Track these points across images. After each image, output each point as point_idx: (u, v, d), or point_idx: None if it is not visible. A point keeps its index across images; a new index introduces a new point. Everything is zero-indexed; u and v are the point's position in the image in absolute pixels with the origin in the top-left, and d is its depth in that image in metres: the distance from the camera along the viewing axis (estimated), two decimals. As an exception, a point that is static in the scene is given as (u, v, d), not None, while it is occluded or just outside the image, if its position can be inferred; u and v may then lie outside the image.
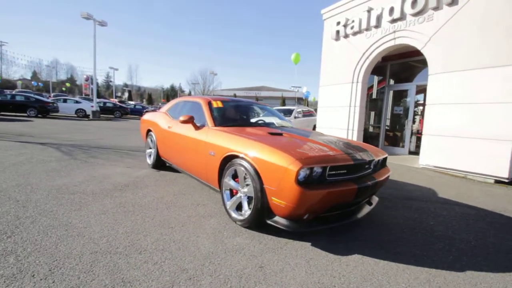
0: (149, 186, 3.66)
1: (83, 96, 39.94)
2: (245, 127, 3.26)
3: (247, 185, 2.50)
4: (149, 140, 4.81)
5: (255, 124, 3.60)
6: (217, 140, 2.85)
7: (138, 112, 26.35)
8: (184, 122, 3.25)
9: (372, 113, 8.86)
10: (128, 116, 25.53)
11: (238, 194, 2.61)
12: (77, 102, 19.13)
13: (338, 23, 7.85)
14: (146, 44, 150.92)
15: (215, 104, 3.52)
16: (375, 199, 2.99)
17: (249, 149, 2.40)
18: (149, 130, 4.82)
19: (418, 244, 2.39)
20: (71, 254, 1.90)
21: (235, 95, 53.20)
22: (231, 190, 2.73)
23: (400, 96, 8.30)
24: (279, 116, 4.15)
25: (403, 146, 8.02)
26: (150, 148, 4.84)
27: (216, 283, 1.68)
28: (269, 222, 2.29)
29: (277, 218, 2.25)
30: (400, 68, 8.33)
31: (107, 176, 4.02)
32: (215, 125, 3.14)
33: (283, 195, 2.10)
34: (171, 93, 69.08)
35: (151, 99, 60.00)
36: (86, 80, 46.70)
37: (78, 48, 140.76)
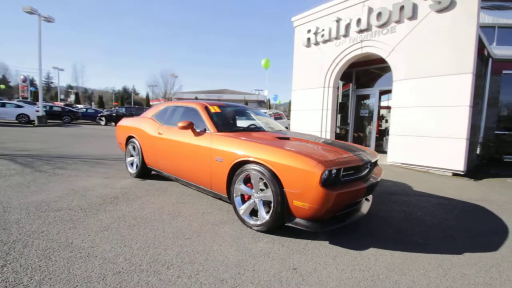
0: (142, 196, 3.43)
1: (21, 99, 35.17)
2: (248, 132, 3.26)
3: (262, 190, 2.53)
4: (130, 147, 4.49)
5: (257, 129, 3.61)
6: (224, 146, 2.81)
7: (90, 117, 24.11)
8: (183, 128, 3.13)
9: (339, 116, 9.48)
10: (79, 121, 23.22)
11: (251, 200, 2.61)
12: (18, 106, 16.78)
13: (309, 31, 8.27)
14: (92, 43, 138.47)
15: (212, 109, 3.46)
16: (370, 196, 3.24)
17: (264, 154, 2.43)
18: (130, 137, 4.50)
19: (417, 233, 2.66)
20: (91, 277, 1.71)
21: (196, 98, 52.04)
22: (242, 196, 2.72)
23: (364, 100, 9.04)
24: (272, 121, 4.23)
25: (368, 146, 8.73)
26: (132, 156, 4.52)
27: (260, 289, 1.68)
28: (289, 224, 2.34)
29: (298, 220, 2.31)
30: (362, 73, 9.08)
31: (88, 188, 3.66)
32: (218, 131, 3.09)
33: (306, 198, 2.17)
34: (124, 96, 64.36)
35: (102, 102, 55.17)
36: (24, 81, 41.15)
37: (10, 43, 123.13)
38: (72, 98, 60.55)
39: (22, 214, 2.67)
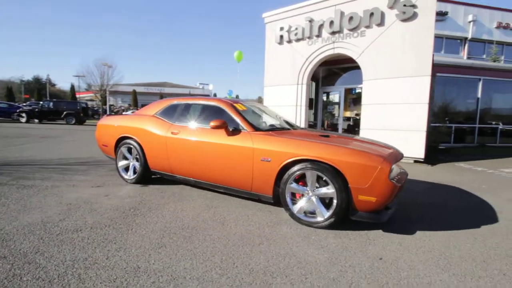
0: (163, 204, 3.08)
1: None
2: (285, 130, 3.22)
3: (317, 187, 2.58)
4: (123, 150, 3.93)
5: (287, 128, 3.53)
6: (271, 146, 2.73)
7: (4, 113, 19.69)
8: (216, 127, 2.92)
9: (309, 111, 10.02)
10: (-13, 118, 18.78)
11: (305, 198, 2.63)
12: None
13: (282, 29, 8.45)
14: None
15: (239, 107, 3.30)
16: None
17: (326, 153, 2.47)
18: (123, 138, 3.93)
19: (436, 215, 3.09)
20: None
21: (134, 91, 47.47)
22: (292, 195, 2.71)
23: (330, 97, 9.77)
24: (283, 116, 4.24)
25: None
26: (127, 159, 3.98)
27: (375, 283, 1.75)
28: (353, 218, 2.46)
29: (361, 213, 2.44)
30: (326, 71, 9.77)
31: (87, 201, 3.11)
32: (255, 130, 2.98)
33: (374, 192, 2.31)
34: (35, 87, 53.51)
35: (11, 93, 45.14)
36: None
37: None
38: (-37, 89, 47.88)
39: (31, 240, 2.12)
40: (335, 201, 2.45)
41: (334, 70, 9.58)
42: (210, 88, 58.49)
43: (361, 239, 2.38)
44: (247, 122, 3.06)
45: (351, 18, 7.11)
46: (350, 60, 7.80)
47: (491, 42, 14.94)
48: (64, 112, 18.29)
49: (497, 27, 15.11)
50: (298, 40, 8.22)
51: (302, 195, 2.67)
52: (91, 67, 26.28)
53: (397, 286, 1.72)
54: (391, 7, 6.54)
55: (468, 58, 14.42)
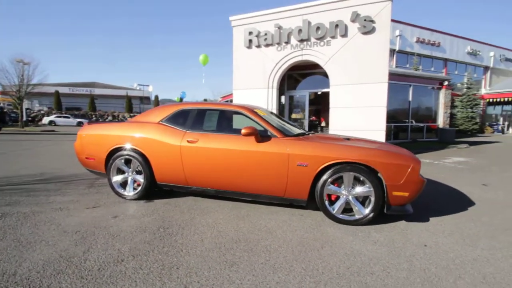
0: (191, 219, 2.87)
1: None
2: (304, 135, 3.32)
3: (353, 187, 2.79)
4: (119, 163, 3.48)
5: (302, 132, 3.60)
6: (307, 151, 2.82)
7: None
8: (248, 134, 2.87)
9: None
10: None
11: (342, 198, 2.81)
12: None
13: (251, 33, 8.55)
14: None
15: (261, 113, 3.28)
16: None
17: (363, 155, 2.69)
18: (118, 149, 3.47)
19: (427, 203, 3.62)
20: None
21: (57, 92, 40.86)
22: (329, 196, 2.85)
23: (295, 100, 10.29)
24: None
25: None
26: (122, 173, 3.53)
27: (441, 268, 2.01)
28: (388, 212, 2.73)
29: (394, 207, 2.72)
30: (289, 76, 10.28)
31: (97, 225, 2.69)
32: (284, 135, 3.02)
33: (408, 187, 2.63)
34: None
35: None
36: None
37: None
38: None
39: (69, 282, 1.75)
40: (372, 199, 2.69)
41: (294, 76, 10.14)
42: (150, 89, 54.54)
43: (397, 231, 2.66)
44: (275, 128, 3.07)
45: (318, 28, 7.68)
46: (315, 66, 8.41)
47: (412, 54, 18.03)
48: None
49: (416, 42, 18.31)
50: (267, 45, 8.45)
51: (338, 196, 2.84)
52: (6, 64, 21.55)
53: (458, 266, 2.02)
54: (353, 21, 7.33)
55: (396, 67, 17.05)
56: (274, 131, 3.04)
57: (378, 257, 2.13)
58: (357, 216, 2.75)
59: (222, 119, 3.28)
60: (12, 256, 2.03)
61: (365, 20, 7.15)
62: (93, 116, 36.54)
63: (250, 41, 8.62)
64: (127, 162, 3.50)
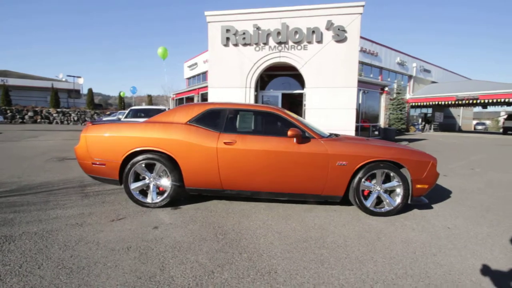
0: (238, 223, 2.82)
1: None
2: (335, 136, 3.53)
3: (383, 182, 3.16)
4: (139, 168, 3.15)
5: (329, 133, 3.76)
6: (345, 151, 3.05)
7: None
8: (293, 136, 2.98)
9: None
10: None
11: (375, 192, 3.15)
12: None
13: (228, 31, 8.42)
14: None
15: (294, 115, 3.38)
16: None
17: (396, 154, 3.06)
18: (138, 153, 3.13)
19: (433, 191, 4.27)
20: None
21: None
22: (362, 192, 3.16)
23: (267, 101, 10.53)
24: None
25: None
26: (143, 179, 3.21)
27: (473, 245, 2.48)
28: (411, 203, 3.17)
29: (415, 198, 3.18)
30: (267, 77, 10.49)
31: (144, 238, 2.45)
32: (321, 137, 3.19)
33: (428, 180, 3.11)
34: None
35: None
36: None
37: None
38: None
39: (191, 298, 1.62)
40: (400, 192, 3.09)
41: (265, 76, 10.40)
42: (81, 82, 47.91)
43: (420, 217, 3.12)
44: (311, 130, 3.22)
45: (296, 32, 8.07)
46: (288, 68, 8.80)
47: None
48: None
49: (360, 51, 20.59)
50: (245, 44, 8.47)
51: (369, 191, 3.16)
52: None
53: (484, 242, 2.52)
54: (327, 29, 7.93)
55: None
56: (311, 132, 3.19)
57: (427, 242, 2.50)
58: (388, 208, 3.12)
59: (259, 120, 3.27)
60: (77, 287, 1.72)
61: (338, 29, 7.82)
62: (8, 111, 30.42)
63: (228, 38, 8.51)
64: (148, 166, 3.18)
